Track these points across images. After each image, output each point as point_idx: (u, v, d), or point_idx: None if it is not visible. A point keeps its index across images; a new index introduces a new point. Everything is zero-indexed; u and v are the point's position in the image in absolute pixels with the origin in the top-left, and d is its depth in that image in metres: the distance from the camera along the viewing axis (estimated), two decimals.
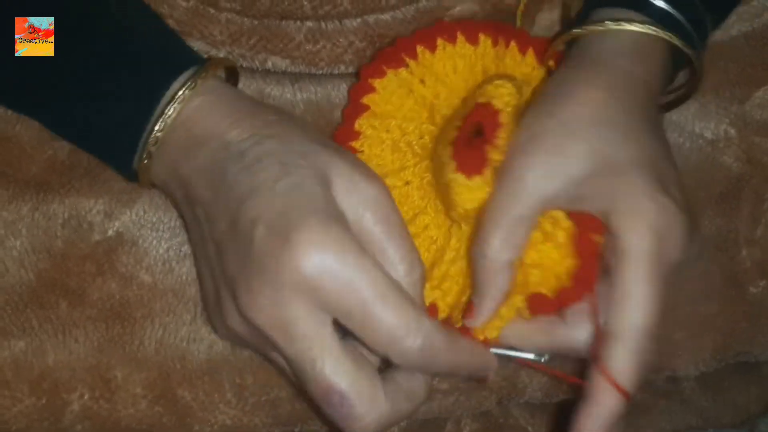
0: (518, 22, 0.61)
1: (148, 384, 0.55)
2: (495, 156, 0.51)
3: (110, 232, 0.55)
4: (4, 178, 0.55)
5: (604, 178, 0.48)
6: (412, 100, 0.57)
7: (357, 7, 0.58)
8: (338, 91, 0.60)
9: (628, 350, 0.47)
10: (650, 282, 0.47)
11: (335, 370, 0.45)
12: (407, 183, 0.56)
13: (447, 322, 0.53)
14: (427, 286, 0.53)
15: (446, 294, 0.54)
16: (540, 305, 0.51)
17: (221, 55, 0.59)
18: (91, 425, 0.55)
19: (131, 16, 0.54)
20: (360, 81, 0.57)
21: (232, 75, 0.56)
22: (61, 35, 0.51)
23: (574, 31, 0.54)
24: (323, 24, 0.59)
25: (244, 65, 0.59)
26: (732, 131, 0.62)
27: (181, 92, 0.49)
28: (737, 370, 0.66)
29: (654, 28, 0.52)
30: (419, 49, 0.57)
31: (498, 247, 0.49)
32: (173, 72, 0.51)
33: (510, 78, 0.54)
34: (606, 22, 0.53)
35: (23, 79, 0.53)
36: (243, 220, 0.46)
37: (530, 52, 0.58)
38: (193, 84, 0.50)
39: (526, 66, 0.58)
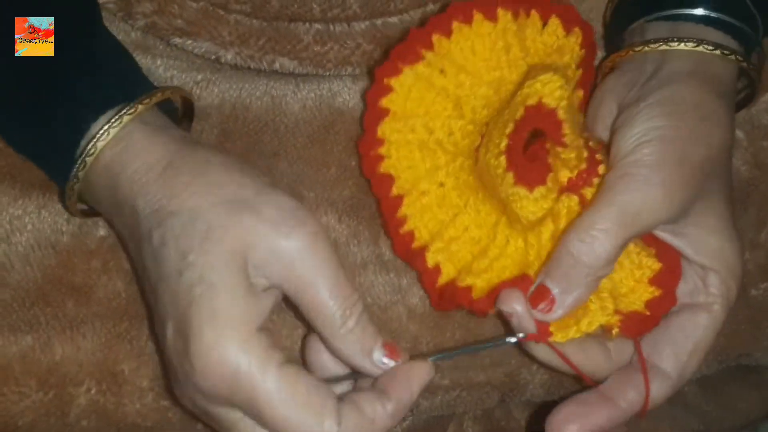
0: None
1: (155, 377, 0.55)
2: (566, 155, 0.50)
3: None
4: (11, 179, 0.55)
5: (716, 233, 0.51)
6: (434, 92, 0.54)
7: (365, 10, 0.59)
8: (341, 80, 0.60)
9: (673, 390, 0.51)
10: (716, 335, 0.51)
11: None
12: (441, 185, 0.55)
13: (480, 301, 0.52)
14: (463, 274, 0.52)
15: (486, 284, 0.52)
16: (630, 329, 0.50)
17: (229, 56, 0.59)
18: (97, 419, 0.55)
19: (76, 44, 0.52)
20: (375, 83, 0.55)
21: (186, 102, 0.55)
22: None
23: (668, 45, 0.53)
24: (331, 26, 0.60)
25: (252, 66, 0.60)
26: (740, 134, 0.62)
27: (91, 145, 0.48)
28: (739, 374, 0.66)
29: (743, 58, 0.53)
30: (435, 37, 0.54)
31: (611, 258, 0.49)
32: (93, 114, 0.49)
33: (552, 68, 0.52)
34: (716, 51, 0.52)
35: None
36: (158, 313, 0.47)
37: (553, 20, 0.55)
38: (106, 134, 0.48)
39: (549, 35, 0.55)
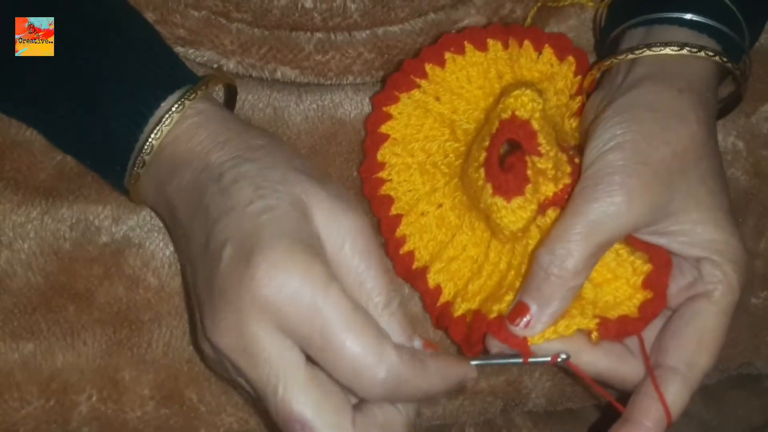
0: None
1: (156, 385, 0.55)
2: (543, 164, 0.51)
3: (117, 235, 0.56)
4: (14, 184, 0.55)
5: (702, 223, 0.50)
6: (431, 119, 0.57)
7: (366, 19, 0.59)
8: (342, 91, 0.61)
9: (689, 387, 0.50)
10: (725, 330, 0.50)
11: (298, 398, 0.43)
12: (440, 206, 0.56)
13: (473, 328, 0.52)
14: (459, 300, 0.53)
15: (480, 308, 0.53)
16: (609, 331, 0.50)
17: (231, 64, 0.59)
18: (99, 427, 0.55)
19: (125, 31, 0.53)
20: (374, 111, 0.57)
21: (229, 91, 0.56)
22: (58, 43, 0.51)
23: (635, 54, 0.53)
24: (333, 35, 0.60)
25: (254, 75, 0.60)
26: (740, 144, 0.62)
27: (167, 115, 0.49)
28: (739, 382, 0.66)
29: (725, 59, 0.53)
30: (428, 67, 0.56)
31: (579, 269, 0.49)
32: (160, 94, 0.50)
33: (527, 84, 0.53)
34: (682, 50, 0.52)
35: (19, 84, 0.53)
36: (214, 241, 0.46)
37: (547, 50, 0.57)
38: (181, 106, 0.50)
39: (544, 64, 0.57)
